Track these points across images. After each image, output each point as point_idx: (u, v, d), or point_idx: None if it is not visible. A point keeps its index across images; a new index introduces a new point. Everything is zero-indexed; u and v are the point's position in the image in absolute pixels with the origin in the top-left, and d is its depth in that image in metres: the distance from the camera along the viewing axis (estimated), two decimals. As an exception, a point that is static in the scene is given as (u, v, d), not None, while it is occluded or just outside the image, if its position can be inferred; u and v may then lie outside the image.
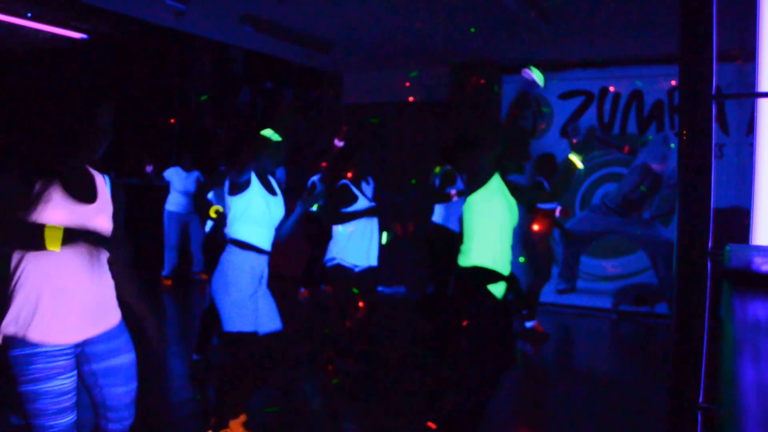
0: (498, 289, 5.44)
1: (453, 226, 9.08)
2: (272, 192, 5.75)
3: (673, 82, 10.87)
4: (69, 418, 3.65)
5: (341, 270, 7.62)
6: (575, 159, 6.01)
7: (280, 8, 8.84)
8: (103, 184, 3.90)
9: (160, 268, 12.98)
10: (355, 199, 7.59)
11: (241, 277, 5.49)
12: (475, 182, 5.51)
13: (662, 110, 11.17)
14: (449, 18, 9.20)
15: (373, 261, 7.77)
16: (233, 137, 5.83)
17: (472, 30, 9.72)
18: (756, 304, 1.89)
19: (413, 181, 10.06)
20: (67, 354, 3.65)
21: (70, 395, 3.65)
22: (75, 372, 3.72)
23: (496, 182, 5.50)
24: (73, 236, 3.48)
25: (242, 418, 5.76)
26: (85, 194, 3.74)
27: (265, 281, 5.72)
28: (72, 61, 15.68)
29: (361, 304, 7.67)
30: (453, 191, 8.98)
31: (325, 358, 7.93)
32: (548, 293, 11.91)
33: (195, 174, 12.56)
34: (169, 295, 12.45)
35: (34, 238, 3.42)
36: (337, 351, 7.97)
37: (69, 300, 3.64)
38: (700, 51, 3.64)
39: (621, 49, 10.76)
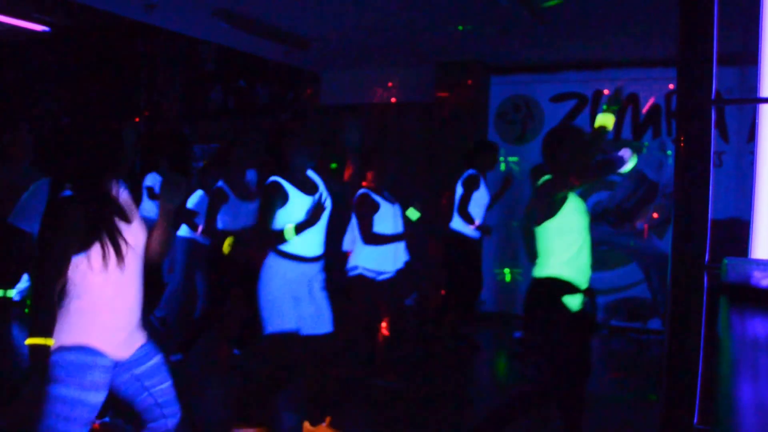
0: (574, 301, 5.43)
1: (470, 233, 9.37)
2: (313, 191, 5.88)
3: (671, 86, 10.91)
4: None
5: (364, 281, 7.48)
6: (606, 119, 5.45)
7: (256, 2, 8.84)
8: (126, 195, 4.13)
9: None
10: (377, 207, 7.39)
11: (277, 281, 5.71)
12: (548, 211, 5.43)
13: (659, 115, 11.19)
14: (435, 15, 9.20)
15: (400, 263, 7.64)
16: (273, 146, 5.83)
17: (460, 28, 9.73)
18: (755, 321, 1.90)
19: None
20: (110, 369, 3.92)
21: (94, 413, 3.90)
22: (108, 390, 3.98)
23: (571, 202, 5.43)
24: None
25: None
26: (124, 212, 4.01)
27: (317, 285, 5.94)
28: (32, 55, 15.63)
29: (383, 322, 7.65)
30: (476, 223, 9.15)
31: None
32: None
33: None
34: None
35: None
36: (372, 370, 7.98)
37: (123, 316, 3.97)
38: (700, 53, 3.66)
39: (617, 51, 10.77)
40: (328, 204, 5.89)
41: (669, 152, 11.07)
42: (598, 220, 11.57)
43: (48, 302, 3.75)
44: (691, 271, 3.77)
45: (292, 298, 5.72)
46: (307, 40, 10.89)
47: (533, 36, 9.83)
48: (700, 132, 3.70)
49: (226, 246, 7.81)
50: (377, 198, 7.42)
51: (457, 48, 11.14)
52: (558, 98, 11.83)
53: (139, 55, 16.11)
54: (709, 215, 3.76)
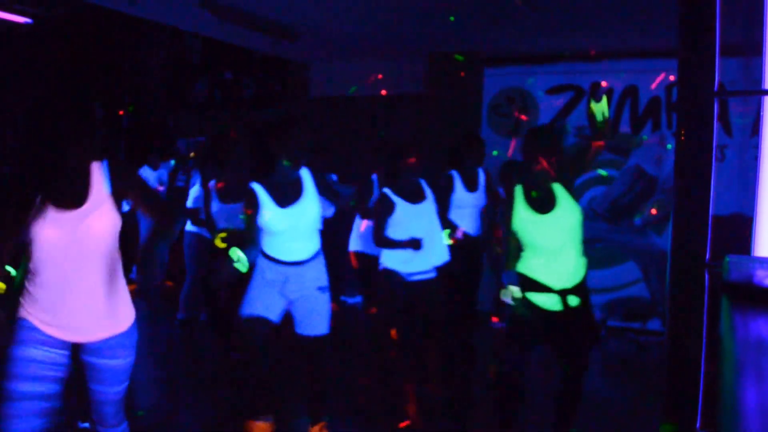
0: (544, 299, 5.71)
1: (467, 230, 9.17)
2: (293, 199, 5.96)
3: (672, 77, 10.90)
4: (33, 388, 4.01)
5: (388, 275, 7.38)
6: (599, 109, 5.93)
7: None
8: (99, 176, 4.10)
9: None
10: (393, 206, 7.27)
11: (258, 278, 6.01)
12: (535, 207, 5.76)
13: (659, 108, 11.18)
14: (426, 5, 9.18)
15: (427, 267, 7.38)
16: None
17: (452, 18, 9.71)
18: (758, 322, 1.88)
19: None
20: (44, 333, 4.08)
21: (33, 365, 4.02)
22: (56, 353, 4.10)
23: (520, 205, 5.78)
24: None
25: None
26: (74, 199, 4.02)
27: (308, 285, 6.05)
28: (14, 47, 15.59)
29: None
30: (459, 230, 8.94)
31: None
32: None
33: (163, 171, 12.55)
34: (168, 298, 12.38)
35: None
36: (409, 377, 7.75)
37: (73, 299, 4.05)
38: (701, 44, 3.65)
39: (615, 41, 10.74)
40: (312, 210, 5.97)
41: (669, 146, 11.05)
42: (593, 216, 11.56)
43: None
44: (691, 269, 3.75)
45: (275, 294, 5.92)
46: (296, 32, 10.87)
47: (527, 26, 9.81)
48: (702, 125, 3.69)
49: (218, 240, 7.84)
50: (395, 198, 7.28)
51: (449, 39, 11.13)
52: (554, 90, 11.81)
53: (122, 48, 16.09)
54: (711, 211, 3.75)
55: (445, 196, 8.93)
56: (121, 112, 15.94)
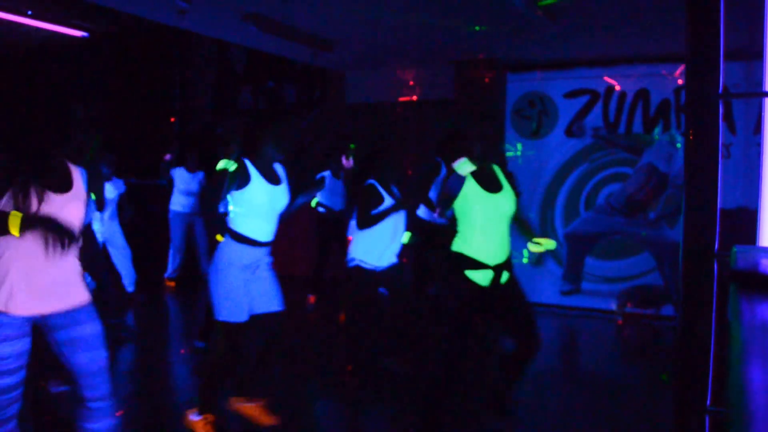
0: (479, 276, 5.82)
1: (436, 219, 9.21)
2: (276, 182, 6.01)
3: (680, 81, 10.87)
4: (11, 381, 4.21)
5: (361, 272, 7.54)
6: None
7: (284, 6, 8.85)
8: (78, 177, 4.53)
9: (164, 270, 12.96)
10: (381, 200, 7.49)
11: (232, 270, 5.79)
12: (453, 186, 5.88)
13: (669, 109, 11.15)
14: (453, 16, 9.19)
15: (393, 258, 7.65)
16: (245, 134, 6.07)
17: (477, 28, 9.71)
18: (764, 307, 1.88)
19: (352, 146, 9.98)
20: (18, 325, 4.23)
21: (9, 360, 4.19)
22: (23, 341, 4.28)
23: (470, 185, 5.86)
24: (32, 223, 4.11)
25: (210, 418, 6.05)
26: (60, 186, 4.38)
27: (264, 267, 6.03)
28: (72, 60, 15.68)
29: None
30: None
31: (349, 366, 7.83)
32: (552, 295, 11.91)
33: (199, 175, 12.53)
34: (171, 297, 12.43)
35: (1, 224, 4.04)
36: (376, 351, 8.18)
37: (32, 279, 4.25)
38: (707, 49, 3.64)
39: (627, 47, 10.74)
40: (284, 197, 6.07)
41: (678, 145, 11.03)
42: (610, 211, 11.55)
43: None
44: (701, 259, 3.74)
45: (245, 284, 5.88)
46: (331, 42, 10.91)
47: (547, 35, 9.81)
48: (709, 125, 3.68)
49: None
50: (383, 191, 7.53)
51: (475, 47, 11.13)
52: (571, 94, 11.80)
53: (172, 58, 16.16)
54: (719, 205, 3.74)
55: (432, 177, 9.25)
56: (172, 119, 15.99)
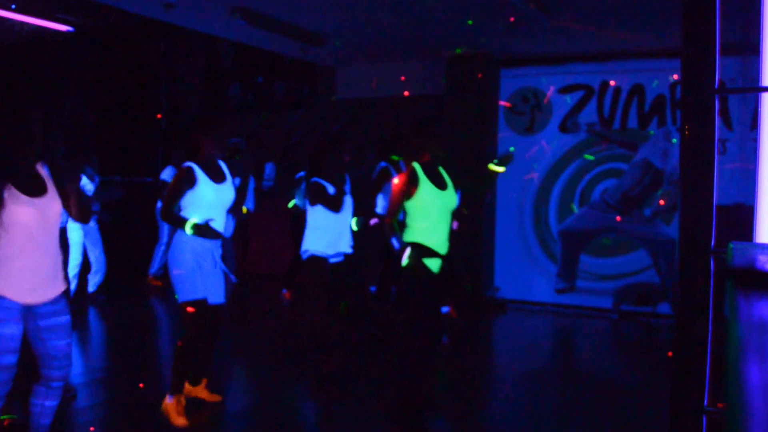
0: (434, 264, 6.34)
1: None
2: (221, 179, 6.46)
3: (675, 76, 10.88)
4: (7, 360, 4.79)
5: (315, 260, 7.94)
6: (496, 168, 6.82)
7: (273, 0, 8.84)
8: (46, 173, 4.99)
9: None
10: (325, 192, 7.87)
11: (186, 255, 6.29)
12: (411, 181, 6.32)
13: (664, 105, 11.17)
14: (445, 10, 9.18)
15: (347, 248, 8.07)
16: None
17: (469, 23, 9.71)
18: (761, 304, 1.89)
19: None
20: (18, 309, 4.81)
21: (12, 342, 4.79)
22: (21, 325, 4.86)
23: (425, 184, 6.34)
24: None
25: (182, 400, 6.55)
26: (37, 189, 4.88)
27: (214, 260, 6.51)
28: (56, 55, 15.63)
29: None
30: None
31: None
32: (547, 293, 11.92)
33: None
34: (157, 295, 12.42)
35: None
36: (358, 317, 8.68)
37: (33, 270, 4.84)
38: (703, 44, 3.65)
39: (622, 43, 10.74)
40: (230, 193, 6.53)
41: (674, 140, 11.04)
42: (605, 207, 11.56)
43: None
44: (697, 255, 3.76)
45: (200, 268, 6.34)
46: (322, 37, 10.89)
47: (541, 29, 9.81)
48: (705, 120, 3.69)
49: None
50: (327, 185, 7.92)
51: (467, 42, 11.13)
52: (566, 89, 11.82)
53: (159, 53, 16.13)
54: (714, 201, 3.75)
55: (382, 181, 9.48)
56: (159, 116, 15.96)
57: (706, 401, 3.72)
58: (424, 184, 6.30)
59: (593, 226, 11.66)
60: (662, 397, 5.73)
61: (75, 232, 10.80)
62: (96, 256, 11.41)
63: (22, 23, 12.94)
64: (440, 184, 6.45)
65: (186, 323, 6.40)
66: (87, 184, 6.93)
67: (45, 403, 5.15)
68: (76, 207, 5.14)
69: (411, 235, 6.34)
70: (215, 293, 6.54)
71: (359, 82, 13.49)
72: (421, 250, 6.27)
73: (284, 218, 11.31)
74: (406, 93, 12.90)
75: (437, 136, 6.54)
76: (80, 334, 9.57)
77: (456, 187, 6.68)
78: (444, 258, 6.42)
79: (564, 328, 11.23)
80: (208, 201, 6.30)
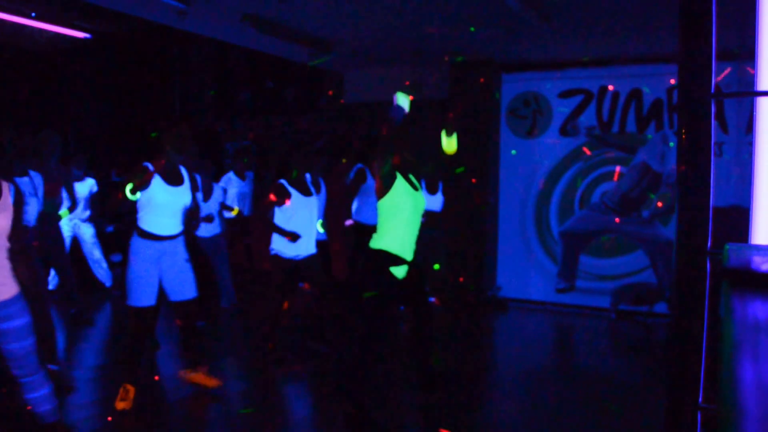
0: (399, 271, 6.40)
1: (365, 219, 9.68)
2: (177, 183, 6.57)
3: (672, 81, 10.87)
4: None
5: (279, 260, 8.21)
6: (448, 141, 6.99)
7: (282, 7, 8.85)
8: (7, 190, 5.03)
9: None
10: (289, 195, 8.09)
11: (138, 261, 6.44)
12: (384, 187, 6.34)
13: (661, 109, 11.16)
14: (449, 17, 9.18)
15: (312, 249, 8.29)
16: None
17: (472, 29, 9.70)
18: (755, 304, 1.88)
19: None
20: None
21: None
22: None
23: (400, 182, 6.37)
24: None
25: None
26: None
27: (176, 259, 6.65)
28: (75, 61, 15.67)
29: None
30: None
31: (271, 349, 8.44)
32: (547, 292, 11.92)
33: (197, 177, 12.58)
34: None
35: None
36: (311, 336, 8.84)
37: None
38: (699, 50, 3.63)
39: (621, 48, 10.73)
40: (186, 196, 6.62)
41: (671, 144, 11.04)
42: (604, 209, 11.55)
43: None
44: (694, 256, 3.73)
45: (155, 273, 6.52)
46: (330, 43, 10.90)
47: (541, 36, 9.81)
48: (701, 124, 3.67)
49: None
50: (290, 188, 8.16)
51: (470, 48, 11.12)
52: (565, 94, 11.81)
53: (173, 59, 16.16)
54: (711, 203, 3.73)
55: (358, 184, 9.77)
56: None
57: (701, 399, 3.70)
58: (399, 182, 6.33)
59: (593, 227, 11.65)
60: (659, 393, 5.72)
61: (87, 229, 10.93)
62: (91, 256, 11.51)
63: (41, 30, 12.98)
64: (413, 185, 6.51)
65: (130, 324, 6.61)
66: (32, 204, 7.02)
67: (32, 395, 5.23)
68: (16, 227, 5.19)
69: (380, 238, 6.37)
70: (180, 291, 6.70)
71: (366, 86, 13.49)
72: (388, 259, 6.30)
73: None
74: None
75: (405, 141, 6.61)
76: (94, 328, 9.63)
77: (419, 179, 6.77)
78: (410, 264, 6.49)
79: (563, 326, 11.22)
80: (161, 203, 6.41)
